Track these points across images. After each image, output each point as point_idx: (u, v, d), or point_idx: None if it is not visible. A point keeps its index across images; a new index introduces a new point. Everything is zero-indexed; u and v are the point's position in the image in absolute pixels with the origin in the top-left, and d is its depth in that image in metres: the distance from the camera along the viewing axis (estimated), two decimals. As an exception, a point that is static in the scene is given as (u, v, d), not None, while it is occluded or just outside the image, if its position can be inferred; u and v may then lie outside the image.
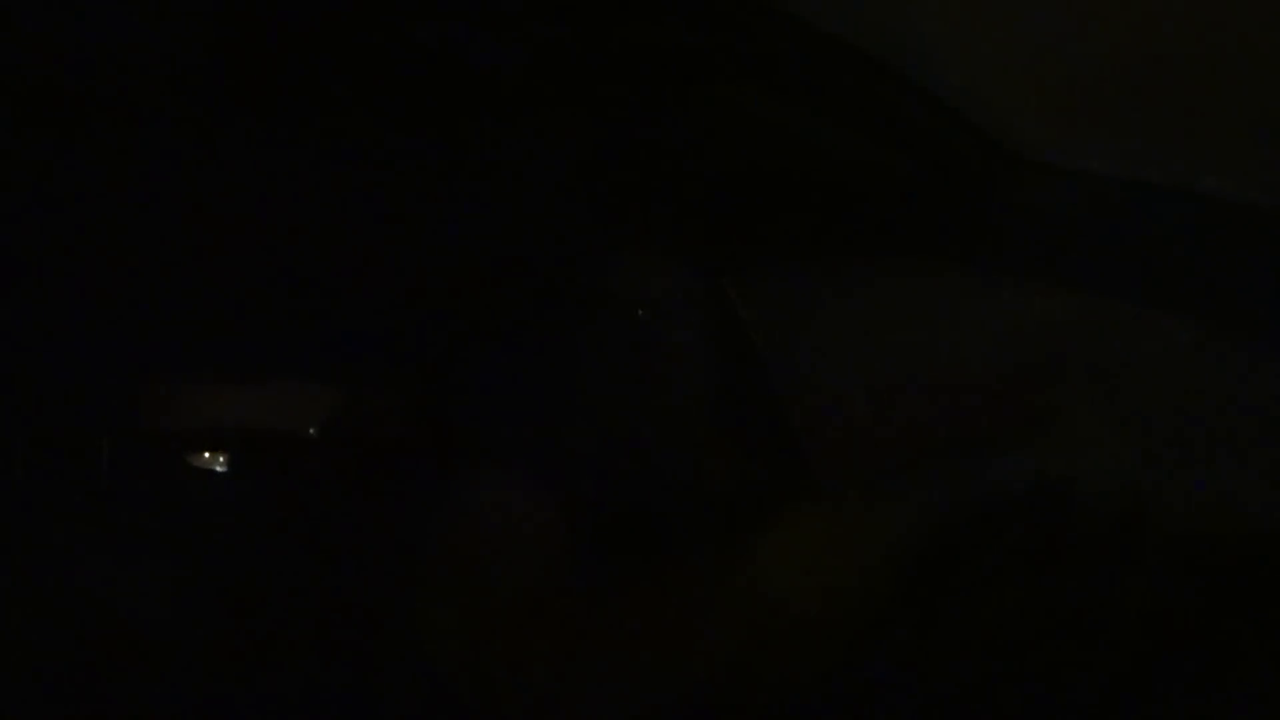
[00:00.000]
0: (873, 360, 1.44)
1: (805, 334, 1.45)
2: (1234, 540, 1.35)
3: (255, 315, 1.31)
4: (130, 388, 1.25)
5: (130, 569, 1.20)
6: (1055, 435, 1.37)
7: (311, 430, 1.28)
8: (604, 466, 1.26)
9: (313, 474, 1.27)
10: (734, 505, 1.32)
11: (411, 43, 1.16)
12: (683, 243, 1.35)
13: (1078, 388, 1.38)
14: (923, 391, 1.39)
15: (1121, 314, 1.43)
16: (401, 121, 1.24)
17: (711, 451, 1.33)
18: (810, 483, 1.45)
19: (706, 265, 1.40)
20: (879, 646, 1.26)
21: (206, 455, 1.28)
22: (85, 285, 1.23)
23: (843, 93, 1.32)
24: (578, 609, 1.21)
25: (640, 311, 1.26)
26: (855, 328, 1.43)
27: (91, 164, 1.22)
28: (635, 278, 1.27)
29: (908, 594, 1.29)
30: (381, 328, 1.29)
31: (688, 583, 1.24)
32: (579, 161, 1.30)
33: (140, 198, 1.25)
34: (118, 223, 1.26)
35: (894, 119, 1.36)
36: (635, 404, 1.26)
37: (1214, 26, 1.42)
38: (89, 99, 1.20)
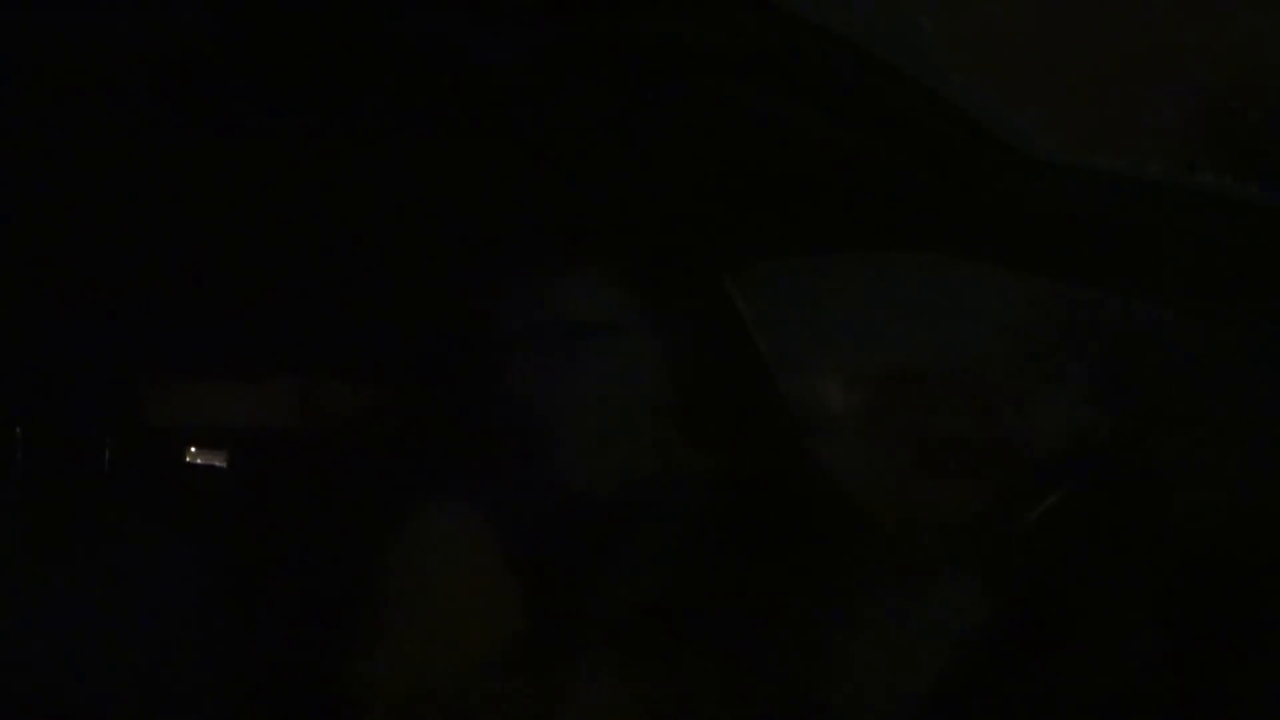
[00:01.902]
0: (873, 354, 1.44)
1: (805, 329, 1.45)
2: (1236, 536, 1.35)
3: (251, 314, 1.31)
4: (131, 386, 1.25)
5: (129, 566, 1.20)
6: (1056, 430, 1.37)
7: (310, 428, 1.28)
8: (603, 459, 1.26)
9: (311, 471, 1.27)
10: (732, 496, 1.32)
11: (416, 45, 1.16)
12: (683, 239, 1.35)
13: (1080, 382, 1.38)
14: (923, 385, 1.40)
15: (1122, 309, 1.43)
16: (405, 120, 1.24)
17: (710, 443, 1.33)
18: (808, 474, 1.45)
19: (706, 261, 1.40)
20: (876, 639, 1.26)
21: (206, 453, 1.28)
22: (86, 284, 1.22)
23: (844, 90, 1.32)
24: (574, 606, 1.20)
25: (640, 306, 1.26)
26: (856, 322, 1.43)
27: (91, 162, 1.22)
28: (636, 273, 1.27)
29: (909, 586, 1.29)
30: (380, 329, 1.29)
31: (686, 576, 1.23)
32: (581, 158, 1.30)
33: (140, 196, 1.25)
34: (115, 221, 1.26)
35: (894, 115, 1.36)
36: (636, 398, 1.26)
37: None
38: (88, 97, 1.20)
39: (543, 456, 1.24)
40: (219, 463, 1.26)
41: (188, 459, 1.26)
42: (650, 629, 1.19)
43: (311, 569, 1.18)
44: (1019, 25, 1.45)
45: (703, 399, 1.38)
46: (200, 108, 1.20)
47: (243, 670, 1.18)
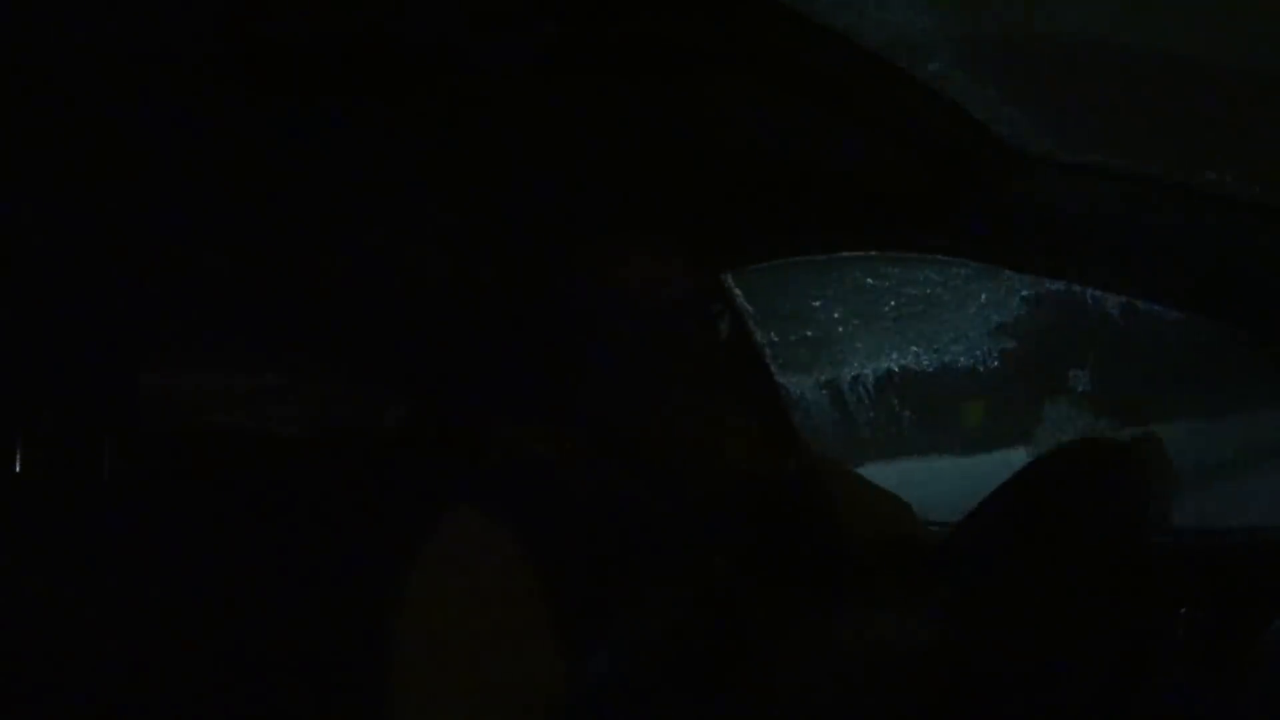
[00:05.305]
0: (874, 354, 1.44)
1: (806, 328, 1.45)
2: (1237, 535, 1.36)
3: (254, 313, 1.31)
4: (131, 386, 1.25)
5: (128, 566, 1.20)
6: (1058, 428, 1.37)
7: (328, 430, 1.27)
8: (609, 455, 1.25)
9: (325, 468, 1.27)
10: (732, 490, 1.32)
11: (417, 42, 1.16)
12: (685, 238, 1.35)
13: (1081, 382, 1.38)
14: (924, 384, 1.40)
15: (1125, 309, 1.44)
16: (404, 119, 1.23)
17: (712, 441, 1.32)
18: (807, 470, 1.45)
19: (708, 260, 1.40)
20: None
21: (207, 453, 1.28)
22: (87, 283, 1.22)
23: (845, 88, 1.32)
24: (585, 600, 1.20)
25: (643, 306, 1.25)
26: (858, 322, 1.43)
27: (91, 161, 1.22)
28: (638, 273, 1.27)
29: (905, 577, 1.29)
30: (384, 326, 1.29)
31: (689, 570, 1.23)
32: (583, 158, 1.30)
33: (140, 196, 1.25)
34: (115, 220, 1.26)
35: (896, 114, 1.36)
36: (638, 393, 1.26)
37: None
38: (88, 96, 1.20)
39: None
40: (234, 465, 1.26)
41: (197, 461, 1.25)
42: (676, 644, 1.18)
43: (322, 580, 1.18)
44: (1021, 24, 1.45)
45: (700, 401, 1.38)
46: (201, 111, 1.20)
47: (243, 672, 1.18)
